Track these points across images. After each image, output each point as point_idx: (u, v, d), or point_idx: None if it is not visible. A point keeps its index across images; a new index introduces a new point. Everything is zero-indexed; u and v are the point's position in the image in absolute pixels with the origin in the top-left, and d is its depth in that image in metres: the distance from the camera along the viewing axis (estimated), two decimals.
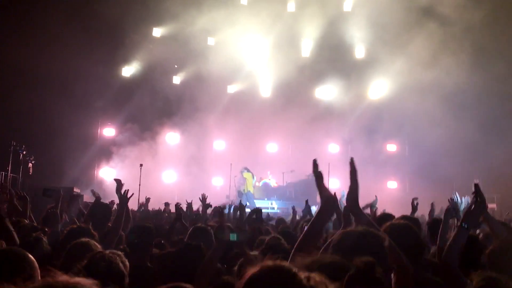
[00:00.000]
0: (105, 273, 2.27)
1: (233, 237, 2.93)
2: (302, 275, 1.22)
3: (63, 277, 0.88)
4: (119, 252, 2.58)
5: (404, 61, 18.09)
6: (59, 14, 16.16)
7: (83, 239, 2.93)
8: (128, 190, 4.69)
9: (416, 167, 18.74)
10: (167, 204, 9.57)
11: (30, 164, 14.86)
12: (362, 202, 3.11)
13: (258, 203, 15.41)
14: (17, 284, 0.83)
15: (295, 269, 1.23)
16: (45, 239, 3.46)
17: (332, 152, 19.80)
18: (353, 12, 19.60)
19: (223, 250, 3.16)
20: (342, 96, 20.12)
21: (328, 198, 2.60)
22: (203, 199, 8.15)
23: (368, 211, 6.66)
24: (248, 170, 17.17)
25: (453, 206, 4.38)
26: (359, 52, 20.33)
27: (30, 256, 2.23)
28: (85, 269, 2.23)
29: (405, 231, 2.78)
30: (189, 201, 8.20)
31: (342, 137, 20.02)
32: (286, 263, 1.27)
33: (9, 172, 13.87)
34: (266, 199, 17.43)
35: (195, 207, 8.33)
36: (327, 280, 1.21)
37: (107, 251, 2.50)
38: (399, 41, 18.15)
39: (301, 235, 2.62)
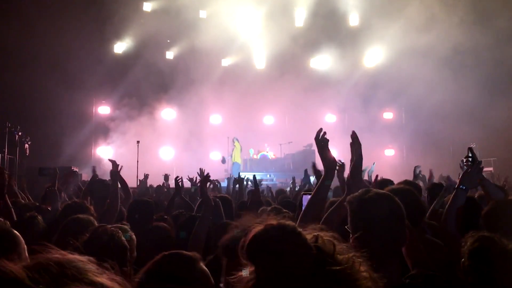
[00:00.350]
0: (107, 247, 2.26)
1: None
2: (309, 234, 1.22)
3: (57, 254, 0.85)
4: (125, 226, 2.57)
5: (399, 26, 17.86)
6: None
7: (79, 215, 2.91)
8: (120, 165, 4.70)
9: (414, 134, 18.80)
10: (166, 177, 9.51)
11: (26, 145, 14.78)
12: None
13: (257, 176, 15.45)
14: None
15: (299, 229, 1.24)
16: (39, 217, 3.44)
17: (329, 121, 19.77)
18: None
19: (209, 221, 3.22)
20: (337, 65, 19.98)
21: (332, 163, 2.67)
22: (201, 173, 8.17)
23: (365, 177, 6.69)
24: (238, 141, 17.14)
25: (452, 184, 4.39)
26: (353, 19, 20.09)
27: (15, 231, 2.20)
28: (87, 244, 2.22)
29: (406, 194, 2.78)
30: (189, 176, 8.23)
31: (338, 107, 19.99)
32: (290, 222, 1.27)
33: (6, 153, 13.80)
34: (264, 172, 17.49)
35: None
36: (336, 240, 1.21)
37: (109, 226, 2.48)
38: (394, 6, 17.91)
39: (306, 204, 2.64)
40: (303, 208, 2.72)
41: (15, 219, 3.56)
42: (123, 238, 2.42)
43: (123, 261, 2.41)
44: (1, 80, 15.34)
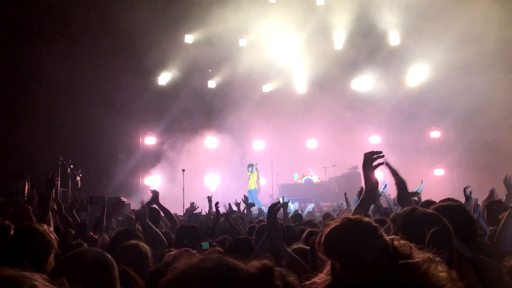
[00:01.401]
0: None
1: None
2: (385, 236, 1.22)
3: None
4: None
5: (442, 43, 17.50)
6: (93, 33, 16.64)
7: (132, 241, 2.96)
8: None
9: (464, 153, 18.14)
10: (209, 199, 9.36)
11: (78, 178, 15.36)
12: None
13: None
14: None
15: (375, 224, 1.24)
16: (85, 245, 3.52)
17: (374, 142, 19.47)
18: None
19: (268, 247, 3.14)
20: (379, 85, 19.75)
21: (373, 187, 2.63)
22: (245, 199, 8.26)
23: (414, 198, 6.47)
24: (254, 168, 17.06)
25: None
26: (393, 39, 19.88)
27: None
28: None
29: (456, 211, 2.67)
30: (234, 202, 8.34)
31: (383, 127, 19.65)
32: (366, 218, 1.27)
33: (59, 186, 14.36)
34: (310, 196, 17.27)
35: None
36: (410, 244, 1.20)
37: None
38: (434, 22, 17.58)
39: None
40: None
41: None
42: None
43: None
44: (53, 115, 16.10)
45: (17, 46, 15.59)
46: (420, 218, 2.03)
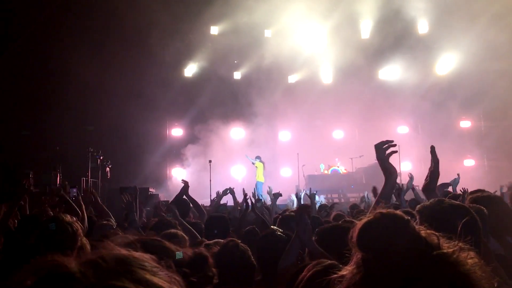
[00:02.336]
0: (238, 263, 2.31)
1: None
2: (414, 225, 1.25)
3: (118, 251, 0.89)
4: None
5: (474, 31, 17.04)
6: (120, 29, 16.85)
7: (172, 230, 3.02)
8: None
9: (495, 144, 17.72)
10: (231, 191, 9.14)
11: (107, 169, 15.68)
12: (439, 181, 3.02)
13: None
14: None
15: (407, 217, 1.27)
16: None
17: (401, 133, 19.20)
18: None
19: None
20: (407, 75, 19.42)
21: (391, 177, 2.60)
22: (270, 191, 8.30)
23: (450, 189, 6.38)
24: (260, 160, 16.94)
25: None
26: (422, 26, 19.45)
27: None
28: (218, 257, 2.27)
29: (494, 202, 2.64)
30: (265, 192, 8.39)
31: (410, 117, 19.35)
32: (398, 211, 1.31)
33: (89, 177, 14.70)
34: (336, 187, 17.17)
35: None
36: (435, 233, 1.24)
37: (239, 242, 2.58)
38: (466, 9, 17.12)
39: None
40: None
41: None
42: (251, 258, 2.51)
43: (250, 280, 2.47)
44: (83, 109, 16.45)
45: (49, 46, 15.99)
46: (447, 209, 2.02)
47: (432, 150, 2.67)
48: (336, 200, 15.20)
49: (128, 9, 16.60)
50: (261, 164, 16.70)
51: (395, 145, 2.60)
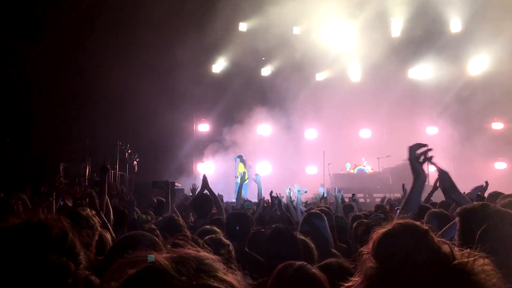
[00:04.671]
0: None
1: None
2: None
3: (192, 250, 0.94)
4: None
5: (508, 31, 16.58)
6: (148, 26, 17.05)
7: (215, 235, 3.06)
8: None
9: None
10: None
11: (135, 162, 15.94)
12: (467, 185, 2.97)
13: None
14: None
15: (426, 227, 1.29)
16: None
17: (430, 134, 18.88)
18: None
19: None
20: (438, 75, 19.05)
21: (421, 181, 2.54)
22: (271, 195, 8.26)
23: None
24: (242, 159, 16.78)
25: None
26: (455, 25, 19.02)
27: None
28: None
29: None
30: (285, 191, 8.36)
31: (440, 118, 18.97)
32: (417, 222, 1.32)
33: (117, 170, 14.97)
34: (362, 186, 16.99)
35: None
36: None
37: None
38: (499, 7, 16.67)
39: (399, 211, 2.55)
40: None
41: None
42: None
43: None
44: (112, 102, 16.73)
45: (80, 43, 16.32)
46: (493, 215, 1.97)
47: (431, 162, 2.63)
48: (361, 200, 15.04)
49: (158, 4, 16.80)
50: (242, 164, 16.82)
51: (430, 150, 2.55)
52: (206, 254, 0.94)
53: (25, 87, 15.91)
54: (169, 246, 1.02)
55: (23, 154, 14.66)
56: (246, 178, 5.10)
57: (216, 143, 19.13)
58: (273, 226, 4.67)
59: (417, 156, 2.48)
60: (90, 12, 16.61)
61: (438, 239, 1.25)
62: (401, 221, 1.30)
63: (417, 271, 1.18)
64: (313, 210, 4.28)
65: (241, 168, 16.71)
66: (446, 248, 1.22)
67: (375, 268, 1.25)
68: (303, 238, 3.03)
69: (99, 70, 16.17)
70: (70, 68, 16.70)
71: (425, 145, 2.52)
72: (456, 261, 1.18)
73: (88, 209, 2.95)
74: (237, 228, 3.71)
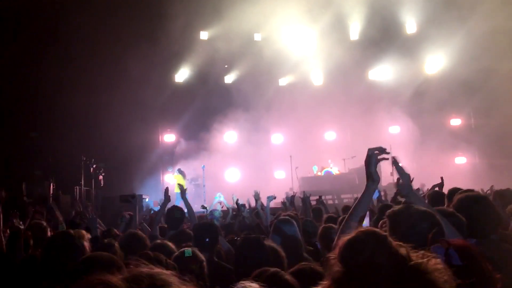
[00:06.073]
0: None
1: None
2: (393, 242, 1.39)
3: (146, 268, 0.97)
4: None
5: (462, 31, 17.26)
6: (113, 33, 16.84)
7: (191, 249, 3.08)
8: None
9: (487, 140, 17.90)
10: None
11: (100, 177, 15.65)
12: (427, 181, 3.08)
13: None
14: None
15: (386, 234, 1.42)
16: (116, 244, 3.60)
17: (393, 132, 19.37)
18: None
19: None
20: (397, 75, 19.62)
21: (374, 185, 2.57)
22: (256, 195, 8.32)
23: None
24: (180, 172, 16.99)
25: None
26: (410, 27, 19.65)
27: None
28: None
29: (480, 201, 2.72)
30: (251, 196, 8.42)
31: (402, 117, 19.48)
32: (377, 229, 1.46)
33: (82, 185, 14.66)
34: (330, 188, 17.20)
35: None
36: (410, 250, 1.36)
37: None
38: (453, 8, 17.34)
39: (348, 214, 2.55)
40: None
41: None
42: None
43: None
44: (75, 117, 16.39)
45: (37, 63, 15.94)
46: (414, 215, 2.22)
47: (394, 162, 2.74)
48: (330, 202, 15.26)
49: (112, 19, 16.63)
50: (180, 176, 16.95)
51: (388, 153, 2.59)
52: (159, 270, 0.97)
53: None
54: (130, 265, 1.06)
55: None
56: (185, 188, 5.24)
57: (183, 152, 19.00)
58: (243, 235, 4.71)
59: (376, 159, 2.54)
60: (46, 30, 16.27)
61: (396, 242, 1.35)
62: (363, 228, 1.42)
63: (378, 273, 1.28)
64: (282, 217, 4.33)
65: (179, 180, 16.89)
66: (403, 250, 1.32)
67: (341, 271, 1.35)
68: (273, 245, 3.08)
69: (59, 87, 15.84)
70: (28, 86, 16.26)
71: (384, 149, 2.55)
72: (412, 262, 1.28)
73: (82, 231, 2.97)
74: (207, 240, 3.71)
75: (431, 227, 2.10)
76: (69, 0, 16.53)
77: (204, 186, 16.25)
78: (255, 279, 1.81)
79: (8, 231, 4.97)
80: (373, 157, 2.53)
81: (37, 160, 14.62)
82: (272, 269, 2.20)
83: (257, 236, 3.21)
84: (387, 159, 2.56)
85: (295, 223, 3.99)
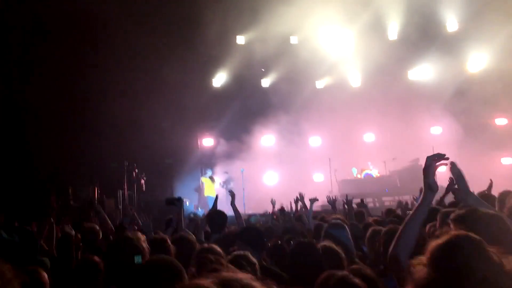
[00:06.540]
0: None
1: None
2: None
3: (225, 273, 1.00)
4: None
5: (504, 28, 16.68)
6: (150, 37, 17.22)
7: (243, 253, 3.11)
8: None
9: None
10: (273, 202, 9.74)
11: (142, 181, 15.98)
12: (473, 183, 2.99)
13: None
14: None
15: (479, 238, 1.37)
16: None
17: (435, 133, 18.90)
18: None
19: None
20: (438, 74, 19.14)
21: (432, 194, 2.46)
22: (300, 197, 8.30)
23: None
24: (210, 177, 17.45)
25: None
26: (451, 25, 19.14)
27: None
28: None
29: None
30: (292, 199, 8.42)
31: (443, 117, 18.98)
32: (471, 234, 1.40)
33: (125, 190, 15.00)
34: (370, 191, 16.93)
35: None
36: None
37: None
38: (496, 5, 16.78)
39: (402, 226, 2.44)
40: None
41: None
42: None
43: None
44: (118, 121, 16.83)
45: (82, 72, 16.50)
46: (483, 218, 2.11)
47: (453, 167, 2.65)
48: (370, 205, 15.02)
49: (156, 22, 16.99)
50: (207, 180, 17.06)
51: (447, 159, 2.53)
52: (243, 274, 1.00)
53: (30, 113, 16.04)
54: (193, 269, 1.09)
55: (31, 180, 14.75)
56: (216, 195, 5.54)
57: (222, 156, 19.15)
58: (295, 240, 4.69)
59: (434, 169, 2.45)
60: (91, 42, 16.82)
61: (493, 250, 1.31)
62: (455, 232, 1.36)
63: (473, 278, 1.24)
64: (333, 221, 4.29)
65: (207, 183, 17.20)
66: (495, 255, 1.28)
67: (431, 277, 1.31)
68: (329, 245, 3.04)
69: (103, 93, 16.33)
70: (74, 93, 16.83)
71: (442, 155, 2.48)
72: (508, 267, 1.25)
73: (139, 234, 3.03)
74: (248, 242, 3.69)
75: (504, 230, 2.01)
76: (110, 10, 16.98)
77: (243, 189, 16.32)
78: (322, 285, 1.80)
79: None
80: (432, 166, 2.45)
81: (82, 164, 15.10)
82: (340, 273, 2.14)
83: (310, 240, 3.19)
84: (446, 164, 2.49)
85: (346, 227, 3.95)
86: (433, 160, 2.45)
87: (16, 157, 15.08)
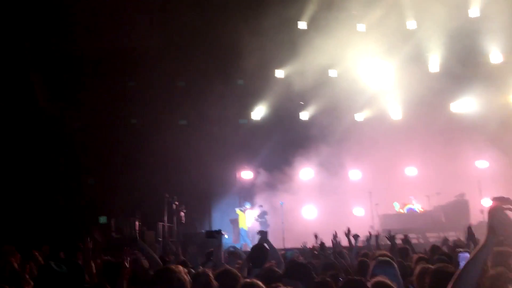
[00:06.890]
0: None
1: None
2: None
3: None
4: None
5: None
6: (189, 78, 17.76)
7: None
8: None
9: None
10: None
11: (182, 213, 16.12)
12: None
13: None
14: None
15: None
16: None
17: (481, 167, 18.23)
18: (482, 17, 18.32)
19: None
20: (481, 107, 18.65)
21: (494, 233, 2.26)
22: (348, 232, 8.13)
23: None
24: (241, 210, 17.21)
25: None
26: (495, 57, 18.76)
27: None
28: None
29: None
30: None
31: (489, 151, 18.34)
32: None
33: (165, 222, 15.15)
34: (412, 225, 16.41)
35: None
36: None
37: None
38: None
39: (463, 267, 2.30)
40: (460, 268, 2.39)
41: None
42: None
43: None
44: (158, 155, 17.21)
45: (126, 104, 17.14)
46: None
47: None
48: (414, 241, 14.52)
49: (195, 56, 17.52)
50: (240, 213, 16.87)
51: None
52: None
53: (73, 143, 16.70)
54: None
55: (74, 212, 15.20)
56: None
57: (261, 189, 19.10)
58: (341, 276, 4.60)
59: (502, 213, 2.27)
60: (138, 78, 17.56)
61: None
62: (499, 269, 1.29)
63: None
64: (381, 258, 4.17)
65: (241, 215, 17.16)
66: None
67: None
68: (383, 281, 2.95)
69: (143, 129, 16.82)
70: (116, 129, 17.43)
71: (508, 199, 2.28)
72: None
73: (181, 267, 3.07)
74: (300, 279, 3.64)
75: None
76: (148, 45, 17.64)
77: (282, 223, 16.19)
78: None
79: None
80: (499, 211, 2.28)
81: (124, 197, 15.43)
82: None
83: (359, 278, 3.12)
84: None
85: (395, 264, 3.83)
86: (499, 201, 2.28)
87: (58, 189, 15.64)
